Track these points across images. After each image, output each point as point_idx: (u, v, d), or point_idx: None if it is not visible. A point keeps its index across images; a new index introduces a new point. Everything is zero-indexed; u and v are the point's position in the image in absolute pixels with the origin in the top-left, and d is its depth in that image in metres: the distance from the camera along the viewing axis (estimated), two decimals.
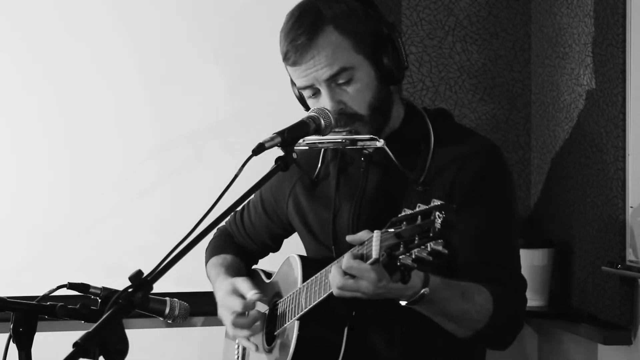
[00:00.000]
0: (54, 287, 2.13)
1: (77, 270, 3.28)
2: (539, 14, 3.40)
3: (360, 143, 2.29)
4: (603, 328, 2.95)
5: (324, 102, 2.25)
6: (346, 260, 1.99)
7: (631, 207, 2.84)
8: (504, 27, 3.46)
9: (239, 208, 2.63)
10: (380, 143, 2.27)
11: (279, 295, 2.41)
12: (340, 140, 2.28)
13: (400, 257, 1.83)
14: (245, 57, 3.41)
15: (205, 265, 2.67)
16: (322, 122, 2.20)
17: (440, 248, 1.79)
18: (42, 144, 3.34)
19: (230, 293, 2.41)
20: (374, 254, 1.91)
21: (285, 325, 2.31)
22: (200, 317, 3.43)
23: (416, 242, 1.80)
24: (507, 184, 2.33)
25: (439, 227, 1.76)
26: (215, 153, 3.38)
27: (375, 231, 1.93)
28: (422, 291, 2.04)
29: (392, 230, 1.87)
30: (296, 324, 2.24)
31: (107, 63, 3.36)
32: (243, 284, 2.41)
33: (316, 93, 2.28)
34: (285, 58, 2.28)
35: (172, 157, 3.39)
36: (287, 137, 2.12)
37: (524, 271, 2.33)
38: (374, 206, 2.33)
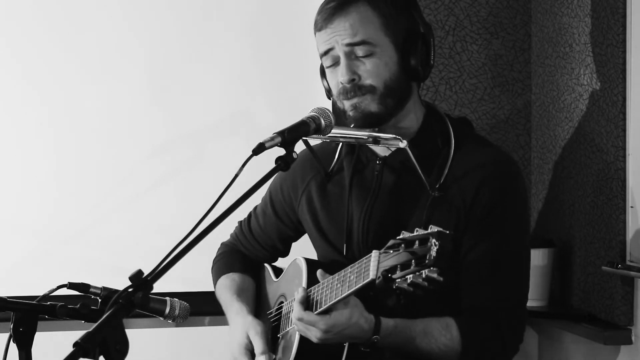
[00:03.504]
0: (54, 287, 2.13)
1: (77, 270, 3.28)
2: (539, 14, 3.40)
3: (383, 142, 2.32)
4: (603, 328, 2.95)
5: (340, 72, 2.28)
6: (297, 311, 2.13)
7: (631, 207, 2.84)
8: (504, 27, 3.46)
9: (243, 218, 2.64)
10: (403, 144, 2.28)
11: (283, 296, 2.42)
12: (363, 136, 2.31)
13: (397, 280, 1.87)
14: (246, 56, 3.41)
15: (214, 285, 2.66)
16: (322, 121, 2.20)
17: (435, 276, 1.82)
18: (42, 144, 3.34)
19: (244, 348, 2.40)
20: (371, 274, 1.95)
21: (288, 328, 2.30)
22: (206, 317, 3.42)
23: (412, 267, 1.84)
24: (522, 207, 2.36)
25: (434, 255, 1.80)
26: (215, 153, 3.38)
27: (373, 251, 1.97)
28: (372, 338, 2.12)
29: (391, 252, 1.90)
30: None
31: (108, 63, 3.35)
32: (256, 340, 2.39)
33: (335, 64, 2.30)
34: (315, 25, 2.32)
35: (172, 157, 3.39)
36: (288, 136, 2.12)
37: None
38: (385, 209, 2.34)
